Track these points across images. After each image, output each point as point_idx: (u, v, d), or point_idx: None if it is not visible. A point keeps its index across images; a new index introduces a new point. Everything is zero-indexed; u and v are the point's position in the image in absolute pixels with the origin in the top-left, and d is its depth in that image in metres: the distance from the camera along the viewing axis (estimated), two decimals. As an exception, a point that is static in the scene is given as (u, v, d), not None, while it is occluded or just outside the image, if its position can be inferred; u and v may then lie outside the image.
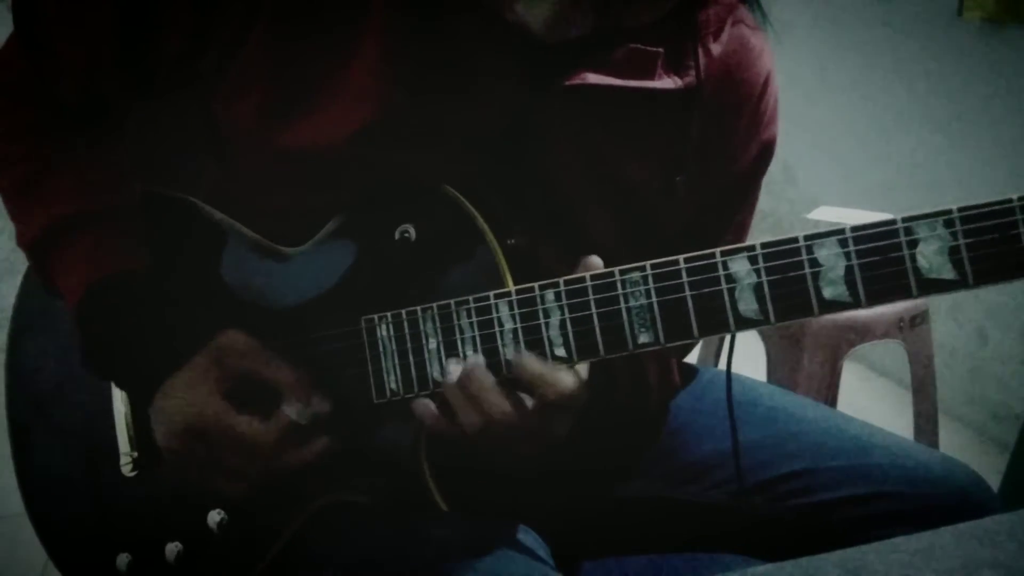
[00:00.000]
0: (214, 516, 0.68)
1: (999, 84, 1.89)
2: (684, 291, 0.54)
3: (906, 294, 0.47)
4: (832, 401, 1.63)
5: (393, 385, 0.64)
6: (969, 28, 1.91)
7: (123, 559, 0.71)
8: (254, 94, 0.63)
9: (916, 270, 0.48)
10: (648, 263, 0.55)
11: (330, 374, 0.66)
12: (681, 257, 0.54)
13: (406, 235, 0.63)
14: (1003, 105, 1.90)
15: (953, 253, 0.47)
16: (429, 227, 0.63)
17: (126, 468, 0.71)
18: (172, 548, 0.69)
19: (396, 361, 0.63)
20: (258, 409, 0.64)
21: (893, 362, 2.21)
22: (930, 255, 0.47)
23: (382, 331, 0.64)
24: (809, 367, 1.55)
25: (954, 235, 0.47)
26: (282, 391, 0.64)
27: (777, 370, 1.56)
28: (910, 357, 1.66)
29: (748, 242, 0.53)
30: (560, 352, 0.58)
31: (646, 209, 0.68)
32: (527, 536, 0.66)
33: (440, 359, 0.61)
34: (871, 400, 2.19)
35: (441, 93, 0.62)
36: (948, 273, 0.47)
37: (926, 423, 1.69)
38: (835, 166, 2.34)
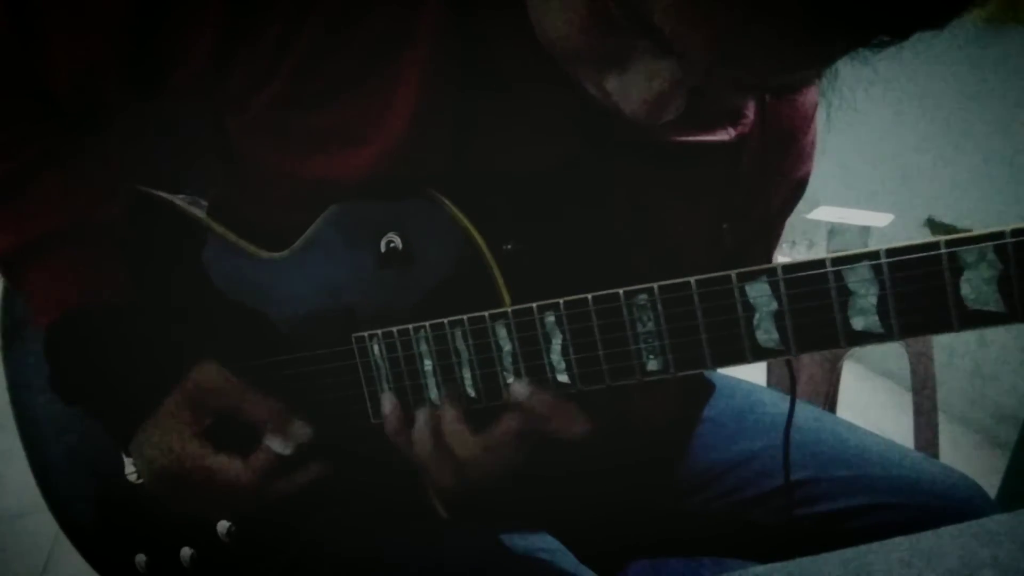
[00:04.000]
0: (223, 526, 0.66)
1: (999, 84, 1.87)
2: (696, 317, 0.49)
3: (946, 327, 0.42)
4: (832, 401, 1.61)
5: None
6: (969, 28, 1.89)
7: (140, 559, 0.70)
8: (275, 126, 0.58)
9: (959, 302, 0.41)
10: (656, 285, 0.50)
11: (323, 394, 0.62)
12: (693, 279, 0.49)
13: (392, 244, 0.58)
14: (1003, 105, 1.88)
15: (1003, 283, 0.40)
16: (416, 235, 0.58)
17: (132, 476, 0.70)
18: (186, 553, 0.68)
19: (391, 383, 0.59)
20: (238, 444, 0.61)
21: (893, 362, 2.20)
22: (977, 284, 0.41)
23: (374, 350, 0.59)
24: (809, 367, 1.54)
25: (1006, 263, 0.40)
26: (259, 426, 0.61)
27: (777, 370, 1.54)
28: (910, 357, 1.65)
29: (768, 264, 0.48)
30: (563, 378, 0.54)
31: (688, 256, 0.63)
32: (547, 539, 0.65)
33: (437, 381, 0.57)
34: (871, 400, 2.17)
35: (480, 147, 0.58)
36: (995, 305, 0.41)
37: (926, 423, 1.68)
38: (835, 166, 2.31)
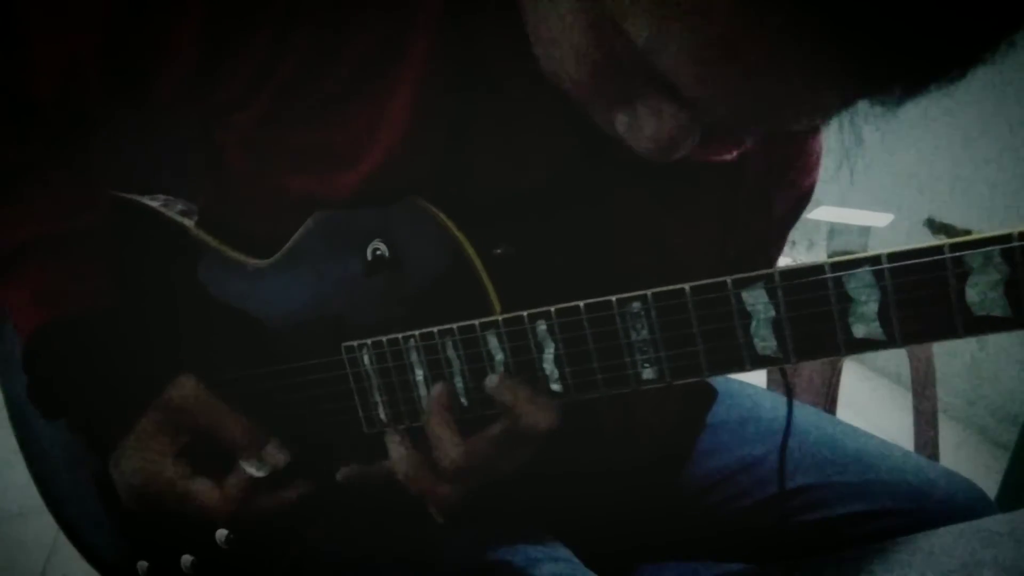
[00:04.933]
0: (220, 533, 0.65)
1: (999, 84, 1.86)
2: (692, 325, 0.47)
3: (950, 334, 0.40)
4: (832, 401, 1.60)
5: (383, 416, 0.59)
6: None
7: (142, 565, 0.70)
8: (261, 143, 0.57)
9: (964, 307, 0.40)
10: (649, 292, 0.48)
11: (316, 404, 0.61)
12: (687, 286, 0.47)
13: (378, 252, 0.57)
14: (1003, 106, 1.87)
15: (1011, 288, 0.39)
16: (403, 242, 0.57)
17: None
18: (186, 560, 0.67)
19: (383, 393, 0.58)
20: (217, 461, 0.60)
21: (893, 362, 2.19)
22: (983, 290, 0.39)
23: (365, 360, 0.58)
24: (809, 367, 1.52)
25: (1013, 267, 0.38)
26: (233, 448, 0.60)
27: (777, 372, 1.53)
28: (910, 357, 1.64)
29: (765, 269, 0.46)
30: (556, 387, 0.52)
31: (689, 266, 0.61)
32: (548, 540, 0.65)
33: (430, 391, 0.56)
34: (871, 400, 2.16)
35: (474, 165, 0.57)
36: (1002, 311, 0.39)
37: (926, 423, 1.67)
38: (835, 166, 2.31)
